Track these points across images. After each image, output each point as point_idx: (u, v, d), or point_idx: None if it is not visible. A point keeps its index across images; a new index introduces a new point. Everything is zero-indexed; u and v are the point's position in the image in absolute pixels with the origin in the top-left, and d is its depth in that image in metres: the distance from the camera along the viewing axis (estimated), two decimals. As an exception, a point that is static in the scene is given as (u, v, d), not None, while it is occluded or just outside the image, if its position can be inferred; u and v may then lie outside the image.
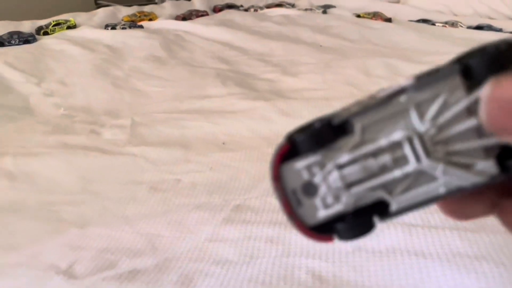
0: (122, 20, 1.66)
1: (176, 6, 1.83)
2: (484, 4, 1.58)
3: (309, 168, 0.19)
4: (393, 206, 0.19)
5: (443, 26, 1.45)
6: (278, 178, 0.19)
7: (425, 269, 0.42)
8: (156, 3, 2.23)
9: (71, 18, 1.56)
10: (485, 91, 0.16)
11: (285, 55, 1.25)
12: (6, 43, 1.36)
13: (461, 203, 0.20)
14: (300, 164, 0.19)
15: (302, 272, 0.44)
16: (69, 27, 1.52)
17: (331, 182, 0.19)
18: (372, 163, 0.19)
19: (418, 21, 1.55)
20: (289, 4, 1.92)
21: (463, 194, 0.18)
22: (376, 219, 0.19)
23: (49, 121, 0.91)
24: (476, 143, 0.17)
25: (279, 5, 1.88)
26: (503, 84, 0.16)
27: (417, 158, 0.18)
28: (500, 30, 1.36)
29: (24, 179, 0.69)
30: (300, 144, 0.19)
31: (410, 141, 0.18)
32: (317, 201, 0.19)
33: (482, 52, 0.16)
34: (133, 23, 1.57)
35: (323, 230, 0.20)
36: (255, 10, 1.82)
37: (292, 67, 1.13)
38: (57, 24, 1.52)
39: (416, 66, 1.02)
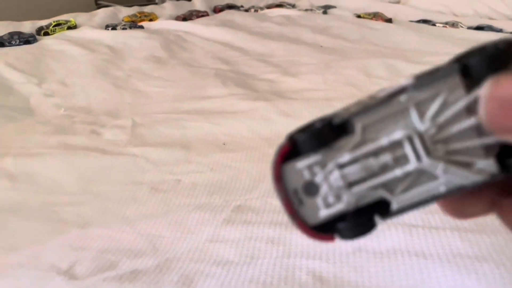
0: (123, 20, 1.66)
1: (177, 7, 1.83)
2: (485, 4, 1.58)
3: (310, 167, 0.19)
4: (394, 205, 0.19)
5: (443, 26, 1.45)
6: (279, 178, 0.20)
7: (425, 269, 0.42)
8: (156, 4, 2.23)
9: (71, 19, 1.57)
10: (484, 90, 0.16)
11: (285, 55, 1.25)
12: (7, 44, 1.36)
13: (461, 201, 0.20)
14: (301, 164, 0.19)
15: (303, 272, 0.44)
16: (69, 28, 1.53)
17: (332, 181, 0.19)
18: (373, 162, 0.19)
19: (419, 21, 1.55)
20: (289, 4, 1.92)
21: (463, 193, 0.19)
22: (377, 218, 0.20)
23: (50, 121, 0.91)
24: (476, 142, 0.17)
25: (279, 5, 1.88)
26: (503, 83, 0.16)
27: (418, 157, 0.18)
28: (500, 30, 1.35)
29: (24, 179, 0.69)
30: (301, 144, 0.19)
31: (411, 140, 0.18)
32: (319, 200, 0.19)
33: (481, 51, 0.17)
34: (133, 24, 1.57)
35: (324, 230, 0.20)
36: (256, 11, 1.82)
37: (292, 68, 1.13)
38: (58, 24, 1.52)
39: (417, 67, 1.02)
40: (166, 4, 1.88)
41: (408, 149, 0.18)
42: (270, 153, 0.71)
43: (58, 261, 0.50)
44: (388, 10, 1.65)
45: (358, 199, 0.19)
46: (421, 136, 0.18)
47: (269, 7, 1.87)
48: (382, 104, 0.18)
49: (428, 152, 0.18)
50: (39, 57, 1.24)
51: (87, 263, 0.49)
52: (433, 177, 0.18)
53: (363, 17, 1.61)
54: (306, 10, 1.77)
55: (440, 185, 0.18)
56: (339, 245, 0.47)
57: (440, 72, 0.17)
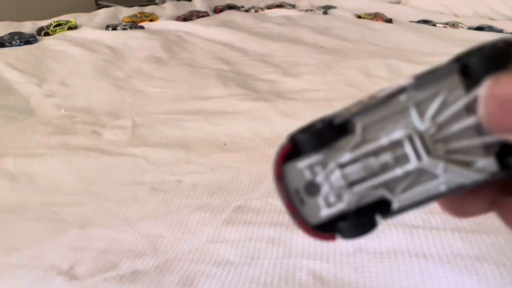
0: (123, 20, 1.66)
1: (177, 7, 1.83)
2: (485, 5, 1.58)
3: (311, 167, 0.19)
4: (395, 205, 0.19)
5: (443, 27, 1.45)
6: (281, 178, 0.20)
7: (426, 270, 0.42)
8: (157, 4, 2.23)
9: (72, 19, 1.57)
10: (483, 89, 0.16)
11: (285, 56, 1.25)
12: (7, 44, 1.36)
13: (461, 200, 0.20)
14: (303, 163, 0.19)
15: (303, 273, 0.44)
16: (70, 28, 1.53)
17: (333, 181, 0.19)
18: (374, 162, 0.19)
19: (419, 22, 1.55)
20: (289, 5, 1.92)
21: (463, 192, 0.19)
22: (378, 218, 0.20)
23: (50, 121, 0.91)
24: (475, 141, 0.17)
25: (279, 6, 1.88)
26: (502, 82, 0.16)
27: (418, 156, 0.18)
28: (500, 31, 1.35)
29: (25, 179, 0.69)
30: (302, 144, 0.19)
31: (411, 139, 0.18)
32: (320, 200, 0.20)
33: (480, 51, 0.17)
34: (134, 24, 1.57)
35: (326, 229, 0.20)
36: (256, 11, 1.82)
37: (292, 68, 1.13)
38: (58, 24, 1.52)
39: (417, 67, 1.02)
40: (166, 5, 1.88)
41: (408, 149, 0.18)
42: (271, 153, 0.71)
43: (59, 261, 0.50)
44: (388, 10, 1.65)
45: (359, 198, 0.19)
46: (421, 135, 0.18)
47: (269, 7, 1.87)
48: (382, 104, 0.18)
49: (428, 152, 0.18)
50: (39, 58, 1.24)
51: (87, 264, 0.49)
52: (433, 176, 0.18)
53: (364, 18, 1.61)
54: (307, 10, 1.77)
55: (440, 184, 0.18)
56: (340, 246, 0.47)
57: (439, 72, 0.17)
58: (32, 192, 0.66)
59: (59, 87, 1.09)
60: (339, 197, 0.19)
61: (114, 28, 1.52)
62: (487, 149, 0.17)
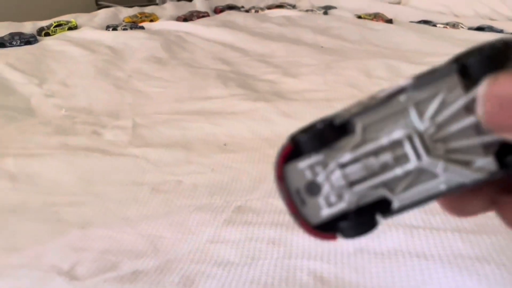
0: (123, 21, 1.66)
1: (177, 7, 1.83)
2: (485, 5, 1.58)
3: (312, 167, 0.20)
4: (395, 204, 0.19)
5: (444, 27, 1.45)
6: (282, 178, 0.20)
7: (426, 270, 0.42)
8: (157, 4, 2.23)
9: (72, 19, 1.57)
10: (482, 89, 0.16)
11: (286, 56, 1.25)
12: (8, 44, 1.36)
13: (461, 199, 0.20)
14: (303, 164, 0.20)
15: (304, 273, 0.44)
16: (70, 28, 1.53)
17: (334, 181, 0.19)
18: (374, 161, 0.19)
19: (419, 22, 1.55)
20: (290, 5, 1.92)
21: (463, 191, 0.19)
22: (378, 217, 0.20)
23: (51, 122, 0.91)
24: (475, 141, 0.18)
25: (280, 6, 1.88)
26: (500, 81, 0.16)
27: (418, 156, 0.18)
28: (501, 31, 1.35)
29: (25, 180, 0.69)
30: (303, 145, 0.19)
31: (410, 139, 0.18)
32: (321, 200, 0.20)
33: (479, 51, 0.17)
34: (134, 24, 1.57)
35: (327, 229, 0.20)
36: (256, 11, 1.82)
37: (293, 68, 1.13)
38: (59, 25, 1.52)
39: (417, 67, 1.02)
40: (166, 5, 1.88)
41: (408, 148, 0.18)
42: (271, 153, 0.71)
43: (59, 261, 0.50)
44: (388, 10, 1.65)
45: (359, 198, 0.20)
46: (420, 135, 0.18)
47: (269, 7, 1.87)
48: (382, 105, 0.18)
49: (428, 151, 0.18)
50: (40, 58, 1.24)
51: (88, 264, 0.49)
52: (433, 175, 0.18)
53: (364, 18, 1.61)
54: (307, 10, 1.78)
55: (440, 184, 0.18)
56: (340, 246, 0.47)
57: (438, 72, 0.18)
58: (33, 192, 0.66)
59: (60, 87, 1.09)
60: (339, 197, 0.20)
61: (115, 28, 1.52)
62: (486, 148, 0.18)
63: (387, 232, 0.47)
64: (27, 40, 1.38)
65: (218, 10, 1.85)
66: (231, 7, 1.87)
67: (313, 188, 0.20)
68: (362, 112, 0.19)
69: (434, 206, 0.20)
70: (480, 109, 0.17)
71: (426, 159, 0.18)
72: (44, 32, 1.49)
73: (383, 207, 0.20)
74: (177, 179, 0.66)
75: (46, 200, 0.64)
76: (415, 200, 0.19)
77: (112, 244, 0.52)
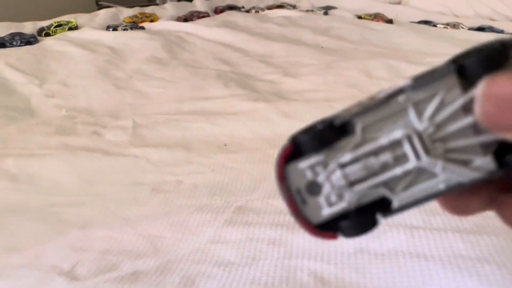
0: (124, 21, 1.67)
1: (178, 7, 1.83)
2: (486, 5, 1.58)
3: (312, 168, 0.20)
4: (395, 203, 0.19)
5: (444, 27, 1.45)
6: (283, 178, 0.20)
7: (427, 271, 0.42)
8: (157, 4, 2.23)
9: (72, 19, 1.57)
10: (480, 89, 0.17)
11: (286, 56, 1.25)
12: (8, 44, 1.36)
13: (460, 199, 0.20)
14: (304, 164, 0.20)
15: (304, 274, 0.44)
16: (70, 28, 1.53)
17: (334, 181, 0.20)
18: (374, 161, 0.19)
19: (420, 22, 1.55)
20: (290, 5, 1.92)
21: (462, 190, 0.19)
22: (379, 216, 0.20)
23: (51, 122, 0.91)
24: (473, 140, 0.18)
25: (280, 6, 1.89)
26: (498, 81, 0.16)
27: (417, 155, 0.19)
28: (501, 31, 1.35)
29: (25, 180, 0.69)
30: (304, 145, 0.20)
31: (410, 139, 0.19)
32: (321, 199, 0.20)
33: (477, 52, 0.17)
34: (134, 24, 1.57)
35: (327, 228, 0.20)
36: (256, 12, 1.82)
37: (293, 69, 1.13)
38: (59, 25, 1.52)
39: (417, 68, 1.02)
40: (167, 5, 1.88)
41: (407, 148, 0.19)
42: (271, 154, 0.71)
43: (60, 262, 0.50)
44: (389, 11, 1.65)
45: (359, 197, 0.20)
46: (419, 135, 0.18)
47: (270, 8, 1.88)
48: (381, 105, 0.19)
49: (427, 151, 0.18)
50: (40, 58, 1.24)
51: (88, 264, 0.49)
52: (432, 175, 0.19)
53: (364, 18, 1.61)
54: (307, 11, 1.78)
55: (439, 183, 0.19)
56: (341, 246, 0.47)
57: (437, 72, 0.18)
58: (33, 193, 0.66)
59: (60, 87, 1.09)
60: (340, 197, 0.20)
61: (115, 28, 1.52)
62: (485, 148, 0.18)
63: (388, 233, 0.47)
64: (28, 40, 1.38)
65: (218, 10, 1.85)
66: (231, 7, 1.87)
67: (314, 188, 0.20)
68: (361, 112, 0.19)
69: (435, 206, 0.20)
70: (478, 109, 0.17)
71: (425, 159, 0.18)
72: (45, 32, 1.49)
73: (383, 206, 0.20)
74: (177, 179, 0.66)
75: (46, 200, 0.64)
76: (414, 199, 0.19)
77: (112, 244, 0.52)
